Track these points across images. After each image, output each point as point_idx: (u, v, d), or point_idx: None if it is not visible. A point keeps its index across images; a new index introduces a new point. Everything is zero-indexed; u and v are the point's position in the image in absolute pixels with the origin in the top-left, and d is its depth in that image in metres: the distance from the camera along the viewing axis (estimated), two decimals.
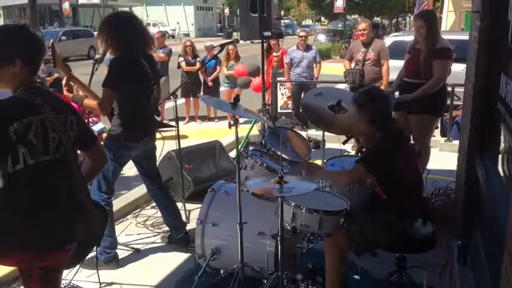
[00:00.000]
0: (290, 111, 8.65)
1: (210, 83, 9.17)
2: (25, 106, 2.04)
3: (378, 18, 40.08)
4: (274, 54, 8.74)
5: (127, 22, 3.56)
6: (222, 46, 4.99)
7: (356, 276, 3.28)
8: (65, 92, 3.50)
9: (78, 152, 2.32)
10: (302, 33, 8.52)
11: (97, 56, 3.91)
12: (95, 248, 3.57)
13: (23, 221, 2.01)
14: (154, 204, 4.82)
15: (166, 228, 4.28)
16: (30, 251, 2.05)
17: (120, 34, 3.46)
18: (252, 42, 5.69)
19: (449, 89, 6.28)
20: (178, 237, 4.08)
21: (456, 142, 5.60)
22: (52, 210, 2.08)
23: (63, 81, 3.50)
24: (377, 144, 2.89)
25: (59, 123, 2.11)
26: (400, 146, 2.93)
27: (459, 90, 5.90)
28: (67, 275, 3.27)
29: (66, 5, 33.04)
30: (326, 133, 3.98)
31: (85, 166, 2.40)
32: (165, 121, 7.93)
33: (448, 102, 6.01)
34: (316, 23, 60.98)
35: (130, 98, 3.51)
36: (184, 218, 4.33)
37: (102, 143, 6.66)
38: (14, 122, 1.96)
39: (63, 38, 22.97)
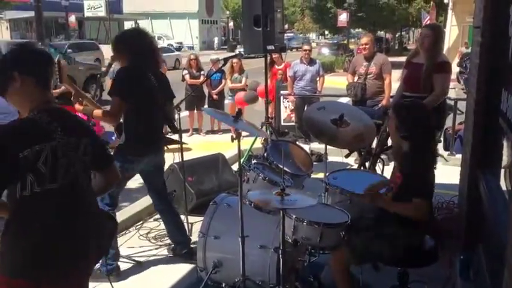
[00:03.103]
0: (293, 124, 8.67)
1: (214, 96, 9.22)
2: (38, 131, 1.95)
3: (382, 32, 40.28)
4: (277, 67, 8.79)
5: (138, 37, 3.68)
6: (226, 60, 5.04)
7: None
8: (76, 106, 3.55)
9: None
10: (306, 47, 8.58)
11: (102, 69, 3.96)
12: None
13: (32, 245, 1.95)
14: (156, 216, 4.83)
15: (169, 241, 4.29)
16: (40, 273, 1.97)
17: (129, 47, 3.57)
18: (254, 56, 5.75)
19: (451, 103, 6.32)
20: (182, 252, 4.08)
21: (459, 156, 5.59)
22: (63, 233, 2.02)
23: (72, 97, 3.56)
24: (415, 169, 2.87)
25: (71, 147, 2.02)
26: (433, 160, 2.99)
27: None
28: None
29: (72, 18, 33.33)
30: (328, 146, 3.99)
31: (96, 183, 2.30)
32: (169, 134, 7.94)
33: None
34: (320, 37, 61.38)
35: (135, 110, 3.54)
36: (186, 231, 4.33)
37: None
38: (25, 149, 1.87)
39: (69, 50, 23.15)
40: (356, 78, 6.78)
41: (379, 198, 3.00)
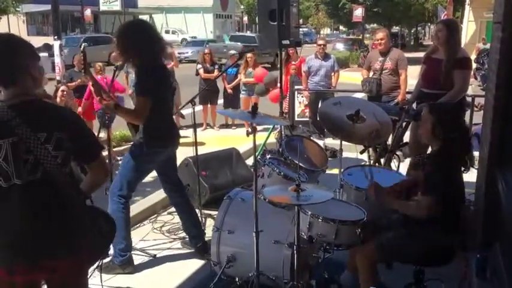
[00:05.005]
0: (307, 119, 8.63)
1: (229, 91, 9.21)
2: None
3: (397, 28, 39.89)
4: (293, 62, 8.75)
5: (144, 29, 3.60)
6: (241, 54, 5.03)
7: None
8: (104, 102, 3.53)
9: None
10: (320, 42, 8.52)
11: (118, 63, 3.96)
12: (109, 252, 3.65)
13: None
14: (171, 210, 4.85)
15: (183, 234, 4.30)
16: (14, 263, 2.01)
17: (141, 41, 3.48)
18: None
19: (468, 99, 6.23)
20: (197, 246, 4.09)
21: (476, 153, 5.52)
22: (32, 228, 2.02)
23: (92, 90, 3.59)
24: (440, 164, 2.87)
25: (38, 143, 1.97)
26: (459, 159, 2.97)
27: None
28: None
29: (87, 12, 33.58)
30: (343, 142, 3.96)
31: (87, 178, 2.26)
32: (181, 127, 7.99)
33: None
34: (335, 32, 61.06)
35: (159, 104, 3.53)
36: (201, 224, 4.34)
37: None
38: None
39: (85, 44, 23.36)
40: (371, 73, 6.72)
41: (381, 191, 3.01)
